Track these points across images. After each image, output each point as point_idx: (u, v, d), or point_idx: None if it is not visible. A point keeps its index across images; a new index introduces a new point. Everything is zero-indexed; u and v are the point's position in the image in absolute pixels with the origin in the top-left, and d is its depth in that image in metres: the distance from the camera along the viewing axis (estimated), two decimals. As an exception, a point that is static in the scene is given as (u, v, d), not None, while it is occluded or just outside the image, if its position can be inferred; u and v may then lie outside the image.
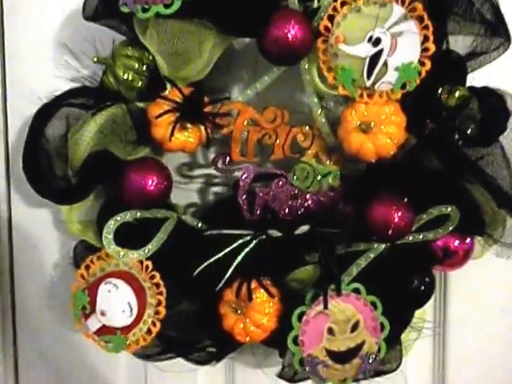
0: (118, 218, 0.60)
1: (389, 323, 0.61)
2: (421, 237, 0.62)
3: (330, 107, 0.64)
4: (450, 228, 0.62)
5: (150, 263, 0.61)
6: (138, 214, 0.61)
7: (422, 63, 0.56)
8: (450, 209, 0.61)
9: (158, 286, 0.62)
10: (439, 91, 0.59)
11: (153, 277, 0.61)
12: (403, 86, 0.57)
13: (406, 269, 0.64)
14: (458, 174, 0.60)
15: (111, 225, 0.59)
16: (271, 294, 0.61)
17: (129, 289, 0.61)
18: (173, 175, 0.68)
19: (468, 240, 0.65)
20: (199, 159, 0.70)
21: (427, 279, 0.64)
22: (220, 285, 0.62)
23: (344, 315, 0.60)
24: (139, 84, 0.60)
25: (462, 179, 0.61)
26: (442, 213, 0.61)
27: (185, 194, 0.70)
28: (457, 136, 0.59)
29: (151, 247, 0.61)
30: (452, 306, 0.74)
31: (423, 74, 0.56)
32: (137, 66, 0.60)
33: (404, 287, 0.63)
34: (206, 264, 0.61)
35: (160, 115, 0.57)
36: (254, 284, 0.61)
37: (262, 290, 0.61)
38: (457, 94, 0.59)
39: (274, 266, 0.64)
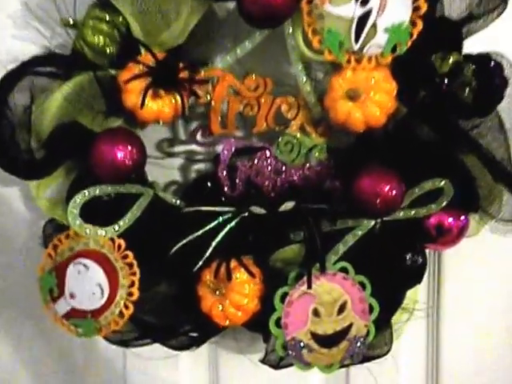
0: (86, 193, 0.56)
1: (378, 305, 0.58)
2: (412, 213, 0.59)
3: (318, 78, 0.60)
4: (444, 203, 0.59)
5: (122, 242, 0.58)
6: (109, 188, 0.57)
7: (413, 23, 0.52)
8: (443, 182, 0.58)
9: (131, 266, 0.58)
10: (432, 57, 0.55)
11: (125, 256, 0.58)
12: (393, 50, 0.53)
13: (397, 247, 0.61)
14: (452, 145, 0.57)
15: (78, 199, 0.55)
16: (252, 273, 0.57)
17: (100, 269, 0.58)
18: (152, 152, 0.66)
19: (462, 217, 0.61)
20: (180, 135, 0.66)
21: (419, 258, 0.61)
22: (198, 265, 0.58)
23: (330, 296, 0.58)
24: (111, 49, 0.56)
25: (456, 151, 0.57)
26: (435, 187, 0.58)
27: (165, 172, 0.67)
28: (450, 104, 0.55)
29: (122, 224, 0.57)
30: (446, 286, 0.71)
31: (415, 35, 0.52)
32: (108, 29, 0.56)
33: (395, 266, 0.60)
34: (182, 243, 0.58)
35: (130, 80, 0.53)
36: (233, 263, 0.57)
37: (243, 270, 0.57)
38: (450, 59, 0.55)
39: (257, 245, 0.61)
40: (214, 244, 0.58)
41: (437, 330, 0.73)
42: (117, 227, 0.57)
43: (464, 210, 0.61)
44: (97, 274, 0.58)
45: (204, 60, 0.60)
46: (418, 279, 0.61)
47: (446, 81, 0.54)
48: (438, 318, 0.72)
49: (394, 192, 0.55)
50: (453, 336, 0.72)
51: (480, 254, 0.68)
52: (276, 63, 0.62)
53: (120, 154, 0.55)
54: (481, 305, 0.71)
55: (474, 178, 0.57)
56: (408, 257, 0.61)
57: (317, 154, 0.62)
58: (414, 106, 0.56)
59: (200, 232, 0.59)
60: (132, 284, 0.58)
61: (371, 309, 0.58)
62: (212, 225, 0.59)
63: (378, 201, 0.54)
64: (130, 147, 0.55)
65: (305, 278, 0.57)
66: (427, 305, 0.70)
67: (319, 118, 0.60)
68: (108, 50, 0.56)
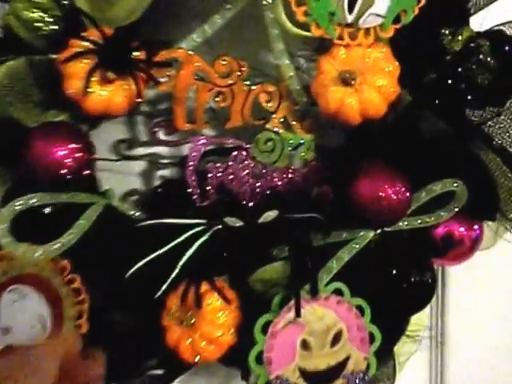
0: (17, 204, 0.45)
1: (380, 333, 0.50)
2: (418, 222, 0.50)
3: (302, 67, 0.53)
4: (456, 209, 0.50)
5: (67, 263, 0.48)
6: (47, 196, 0.46)
7: None
8: (455, 184, 0.49)
9: (78, 292, 0.49)
10: (441, 32, 0.46)
11: (71, 281, 0.48)
12: (396, 20, 0.43)
13: (400, 263, 0.52)
14: (466, 139, 0.48)
15: (7, 211, 0.45)
16: (227, 298, 0.48)
17: (40, 297, 0.49)
18: (107, 155, 0.57)
19: (476, 226, 0.54)
20: (141, 134, 0.58)
21: (427, 275, 0.53)
22: (162, 289, 0.48)
23: (322, 324, 0.49)
24: (49, 26, 0.47)
25: (470, 146, 0.48)
26: (445, 189, 0.49)
27: (123, 179, 0.59)
28: (465, 89, 0.45)
29: (66, 241, 0.46)
30: (452, 308, 0.62)
31: (422, 1, 0.42)
32: (45, 1, 0.46)
33: (398, 286, 0.52)
34: (142, 263, 0.48)
35: (70, 59, 0.43)
36: (204, 287, 0.48)
37: (215, 295, 0.48)
38: (462, 35, 0.46)
39: (233, 264, 0.52)
40: (180, 263, 0.49)
41: (441, 359, 0.63)
42: (58, 245, 0.47)
43: (478, 217, 0.52)
44: (36, 303, 0.49)
45: (164, 40, 0.51)
46: (425, 301, 0.52)
47: (458, 60, 0.45)
48: (443, 346, 0.63)
49: (400, 196, 0.46)
50: (459, 367, 0.63)
51: (491, 268, 0.60)
52: (252, 45, 0.54)
53: (60, 153, 0.44)
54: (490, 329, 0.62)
55: (492, 179, 0.48)
56: (414, 274, 0.51)
57: (303, 153, 0.54)
58: (419, 91, 0.46)
59: (164, 249, 0.49)
60: (80, 315, 0.49)
61: (372, 338, 0.51)
62: (178, 240, 0.50)
63: (381, 207, 0.45)
64: (72, 144, 0.44)
65: (291, 303, 0.48)
66: (431, 331, 0.62)
67: (305, 110, 0.53)
68: (46, 27, 0.47)
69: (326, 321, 0.49)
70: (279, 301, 0.48)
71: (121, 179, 0.58)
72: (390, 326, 0.52)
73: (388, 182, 0.46)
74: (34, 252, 0.46)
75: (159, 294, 0.49)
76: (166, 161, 0.59)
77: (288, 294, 0.48)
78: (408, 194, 0.46)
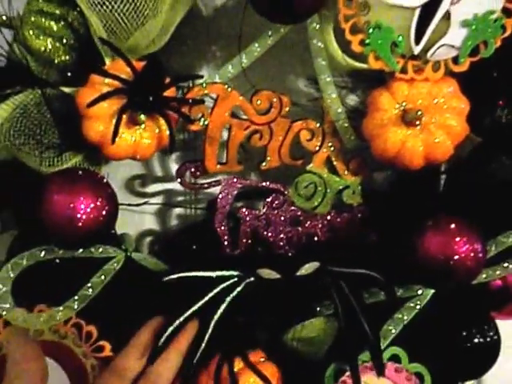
0: (21, 261, 0.39)
1: None
2: (484, 276, 0.44)
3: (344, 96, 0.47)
4: None
5: (93, 328, 0.43)
6: (61, 252, 0.40)
7: (508, 12, 0.38)
8: (527, 235, 0.43)
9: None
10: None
11: (100, 349, 0.43)
12: (474, 52, 0.38)
13: (461, 320, 0.46)
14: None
15: (9, 268, 0.39)
16: (266, 379, 0.42)
17: (60, 370, 0.43)
18: (119, 193, 0.50)
19: None
20: (156, 170, 0.55)
21: (490, 332, 0.46)
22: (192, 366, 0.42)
23: None
24: (63, 57, 0.42)
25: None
26: (517, 241, 0.43)
27: (137, 219, 0.55)
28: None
29: (74, 305, 0.41)
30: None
31: (509, 30, 0.38)
32: (58, 28, 0.41)
33: (461, 347, 0.46)
34: (168, 333, 0.42)
35: (95, 101, 0.36)
36: (238, 363, 0.43)
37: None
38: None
39: (270, 326, 0.46)
40: (209, 330, 0.43)
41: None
42: (76, 304, 0.40)
43: None
44: (56, 379, 0.43)
45: (193, 72, 0.48)
46: (490, 362, 0.47)
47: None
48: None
49: (474, 255, 0.39)
50: None
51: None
52: (293, 74, 0.50)
53: (81, 209, 0.39)
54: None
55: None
56: (477, 333, 0.45)
57: (347, 197, 0.49)
58: (490, 131, 0.41)
59: (189, 312, 0.44)
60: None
61: (432, 407, 0.45)
62: (206, 299, 0.45)
63: (452, 267, 0.39)
64: (95, 199, 0.39)
65: (346, 376, 0.42)
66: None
67: (352, 150, 0.48)
68: (59, 59, 0.42)
69: (383, 392, 0.44)
70: (332, 372, 0.43)
71: (133, 218, 0.54)
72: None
73: (461, 237, 0.40)
74: (38, 318, 0.40)
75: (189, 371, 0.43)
76: (183, 198, 0.54)
77: (341, 365, 0.43)
78: (483, 254, 0.40)
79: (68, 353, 0.44)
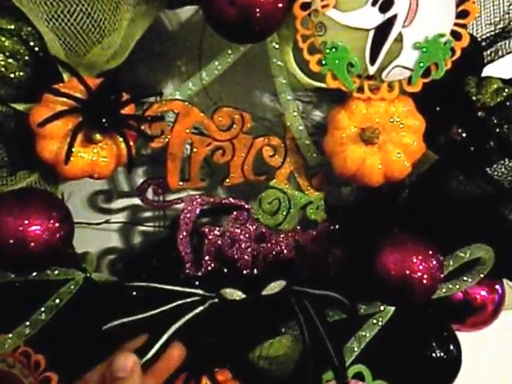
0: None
1: None
2: (444, 290, 0.45)
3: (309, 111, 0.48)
4: (482, 275, 0.46)
5: (41, 358, 0.41)
6: (12, 276, 0.39)
7: (456, 36, 0.38)
8: (484, 251, 0.43)
9: None
10: (468, 84, 0.41)
11: (47, 380, 0.40)
12: (426, 73, 0.39)
13: (422, 335, 0.47)
14: (497, 201, 0.42)
15: None
16: None
17: None
18: (81, 210, 0.52)
19: (497, 286, 0.49)
20: (120, 185, 0.53)
21: (451, 346, 0.47)
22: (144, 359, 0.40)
23: None
24: (17, 73, 0.40)
25: (500, 207, 0.43)
26: (474, 257, 0.44)
27: (99, 236, 0.53)
28: (496, 146, 0.41)
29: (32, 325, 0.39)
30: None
31: (458, 52, 0.38)
32: (11, 44, 0.39)
33: (422, 362, 0.46)
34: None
35: (47, 121, 0.35)
36: (204, 381, 0.42)
37: None
38: (492, 87, 0.41)
39: (236, 344, 0.46)
40: (164, 337, 0.42)
41: None
42: (28, 330, 0.39)
43: (500, 276, 0.48)
44: None
45: (154, 89, 0.47)
46: (452, 375, 0.47)
47: (490, 116, 0.40)
48: None
49: (432, 272, 0.40)
50: None
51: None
52: (252, 92, 0.50)
53: (34, 227, 0.37)
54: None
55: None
56: (437, 346, 0.46)
57: (311, 213, 0.48)
58: (446, 150, 0.41)
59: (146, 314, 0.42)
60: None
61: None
62: (165, 308, 0.43)
63: (410, 284, 0.39)
64: (48, 220, 0.37)
65: None
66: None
67: (314, 166, 0.47)
68: (12, 75, 0.40)
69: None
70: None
71: (95, 235, 0.52)
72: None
73: (419, 255, 0.40)
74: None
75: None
76: (148, 214, 0.53)
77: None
78: (439, 271, 0.40)
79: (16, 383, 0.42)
